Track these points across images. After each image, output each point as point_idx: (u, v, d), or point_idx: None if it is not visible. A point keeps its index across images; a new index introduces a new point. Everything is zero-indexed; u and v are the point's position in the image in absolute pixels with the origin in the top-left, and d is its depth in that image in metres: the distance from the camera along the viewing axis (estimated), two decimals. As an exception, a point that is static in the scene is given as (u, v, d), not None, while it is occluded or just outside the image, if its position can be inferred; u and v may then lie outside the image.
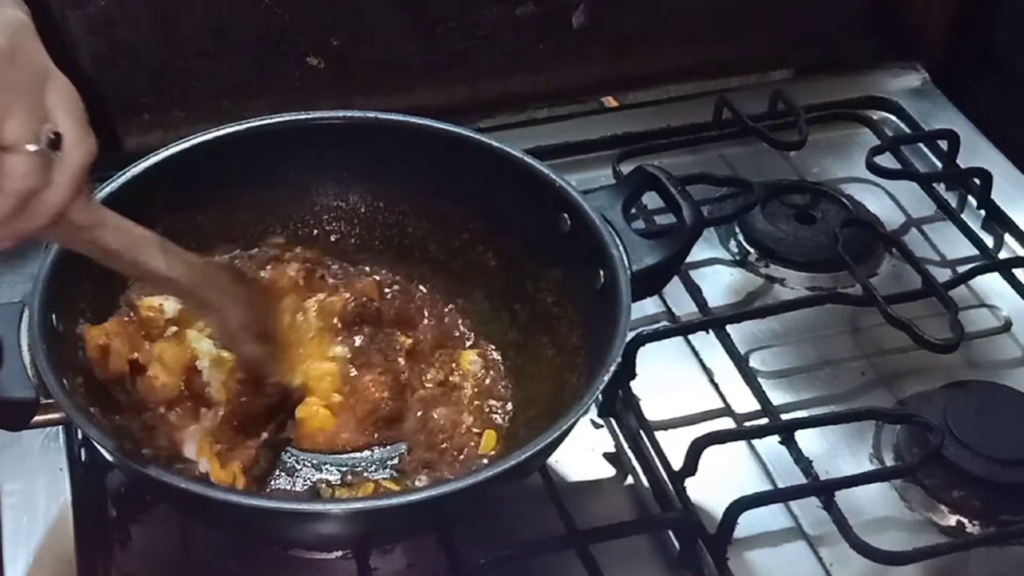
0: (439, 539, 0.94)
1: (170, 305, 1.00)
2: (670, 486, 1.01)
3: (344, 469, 0.99)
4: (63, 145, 0.71)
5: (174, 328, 1.00)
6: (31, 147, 0.69)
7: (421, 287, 1.12)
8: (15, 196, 0.70)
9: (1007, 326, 1.19)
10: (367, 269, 1.12)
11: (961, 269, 1.21)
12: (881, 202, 1.32)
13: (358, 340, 1.04)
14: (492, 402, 1.04)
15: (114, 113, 1.28)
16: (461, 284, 1.11)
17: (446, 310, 1.11)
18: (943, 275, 1.18)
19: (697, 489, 1.00)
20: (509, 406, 1.04)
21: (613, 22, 1.39)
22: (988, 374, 1.13)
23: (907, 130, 1.40)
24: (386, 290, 1.10)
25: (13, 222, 0.71)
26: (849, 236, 1.20)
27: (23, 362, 0.88)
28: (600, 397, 0.96)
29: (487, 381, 1.06)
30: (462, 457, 1.00)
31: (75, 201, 0.75)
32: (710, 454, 0.99)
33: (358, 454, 1.00)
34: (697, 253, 1.12)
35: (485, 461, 0.98)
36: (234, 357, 0.97)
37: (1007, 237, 1.27)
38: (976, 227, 1.27)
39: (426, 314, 1.10)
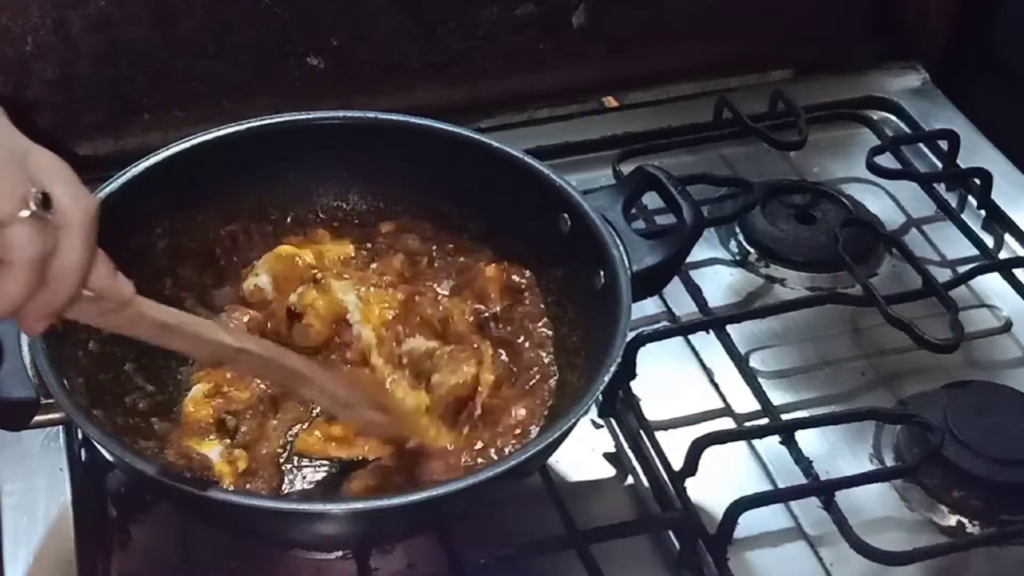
0: (439, 539, 0.94)
1: None
2: (670, 486, 1.01)
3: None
4: (58, 206, 0.71)
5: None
6: (23, 213, 0.69)
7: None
8: (27, 266, 0.70)
9: (1007, 326, 1.19)
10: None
11: (961, 269, 1.21)
12: (881, 202, 1.32)
13: None
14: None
15: (114, 113, 1.28)
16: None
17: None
18: (943, 275, 1.18)
19: (697, 489, 1.00)
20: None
21: (613, 22, 1.39)
22: (988, 374, 1.13)
23: (907, 130, 1.40)
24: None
25: (41, 298, 0.71)
26: (849, 236, 1.20)
27: (23, 362, 0.88)
28: (600, 397, 0.96)
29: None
30: None
31: (96, 271, 0.75)
32: (710, 454, 0.99)
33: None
34: (697, 253, 1.12)
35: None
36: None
37: (1007, 237, 1.27)
38: (976, 227, 1.27)
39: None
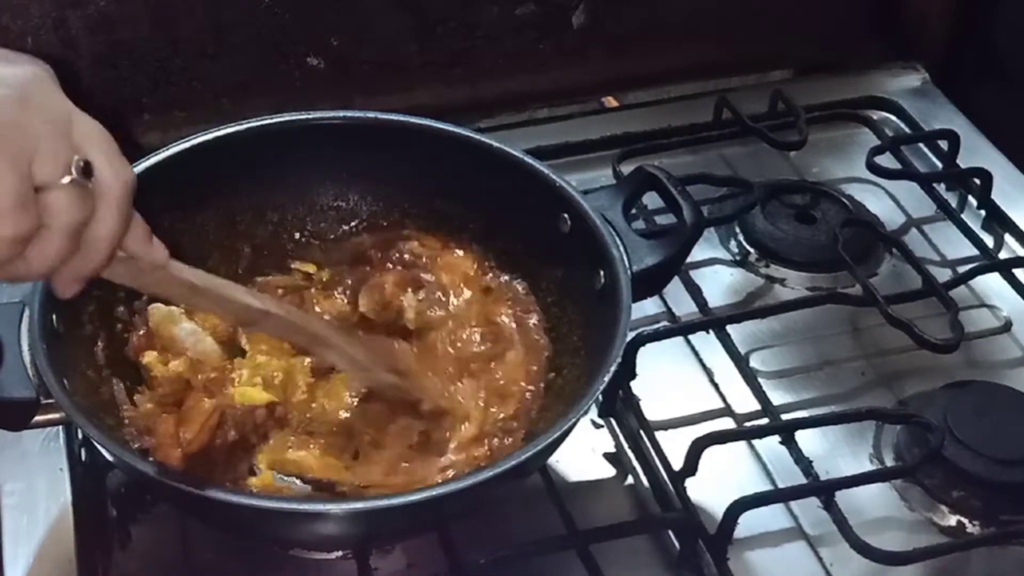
0: (439, 539, 0.94)
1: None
2: (670, 486, 1.01)
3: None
4: (98, 176, 0.72)
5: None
6: (65, 179, 0.70)
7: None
8: (65, 232, 0.71)
9: (1007, 326, 1.19)
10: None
11: (961, 269, 1.21)
12: (881, 202, 1.32)
13: None
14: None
15: (114, 113, 1.28)
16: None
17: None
18: (943, 275, 1.18)
19: (697, 489, 1.00)
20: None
21: (613, 22, 1.39)
22: (988, 374, 1.13)
23: (907, 130, 1.40)
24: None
25: (74, 263, 0.73)
26: (849, 236, 1.20)
27: (23, 362, 0.89)
28: (600, 397, 0.96)
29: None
30: None
31: (131, 235, 0.76)
32: (710, 454, 0.99)
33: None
34: (697, 253, 1.12)
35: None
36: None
37: (1007, 237, 1.27)
38: (976, 227, 1.27)
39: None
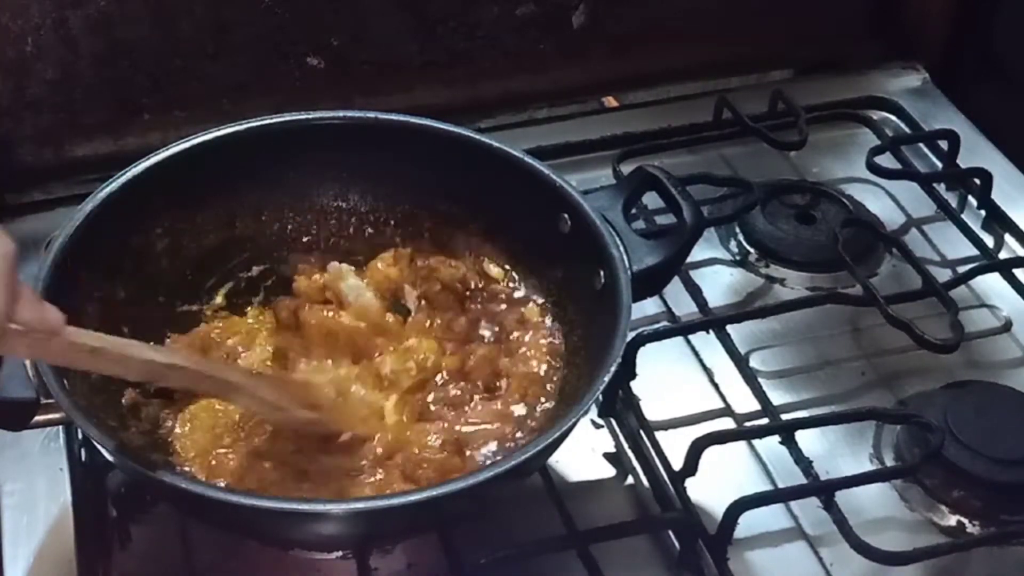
0: (439, 539, 0.94)
1: None
2: (670, 486, 1.01)
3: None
4: None
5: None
6: None
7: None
8: None
9: (1007, 326, 1.19)
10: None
11: (961, 269, 1.21)
12: (881, 202, 1.32)
13: None
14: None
15: (114, 113, 1.28)
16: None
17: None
18: (943, 275, 1.18)
19: (697, 489, 1.00)
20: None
21: (613, 22, 1.39)
22: (988, 374, 1.13)
23: (907, 130, 1.40)
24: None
25: None
26: (849, 236, 1.20)
27: (23, 362, 0.88)
28: (600, 397, 0.96)
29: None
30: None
31: (20, 304, 0.75)
32: (710, 454, 0.99)
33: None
34: (697, 253, 1.12)
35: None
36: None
37: (1007, 237, 1.27)
38: (976, 227, 1.27)
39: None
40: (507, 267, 1.10)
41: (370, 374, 1.02)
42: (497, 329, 1.07)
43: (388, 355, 1.03)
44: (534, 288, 1.09)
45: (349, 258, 1.11)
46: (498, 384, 1.03)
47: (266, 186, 1.11)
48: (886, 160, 1.31)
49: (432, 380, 1.03)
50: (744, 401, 1.09)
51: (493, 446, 0.98)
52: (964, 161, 1.32)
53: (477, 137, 1.10)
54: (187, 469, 0.96)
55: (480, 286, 1.10)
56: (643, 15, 1.40)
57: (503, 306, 1.08)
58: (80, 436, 1.02)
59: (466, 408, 1.01)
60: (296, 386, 1.00)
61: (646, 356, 1.07)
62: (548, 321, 1.07)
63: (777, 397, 1.09)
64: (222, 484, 0.94)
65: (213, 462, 0.96)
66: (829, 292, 1.17)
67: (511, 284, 1.10)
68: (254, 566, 0.96)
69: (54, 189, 1.26)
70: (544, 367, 1.03)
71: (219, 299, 1.09)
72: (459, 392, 1.02)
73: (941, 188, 1.32)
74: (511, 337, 1.06)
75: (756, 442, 1.05)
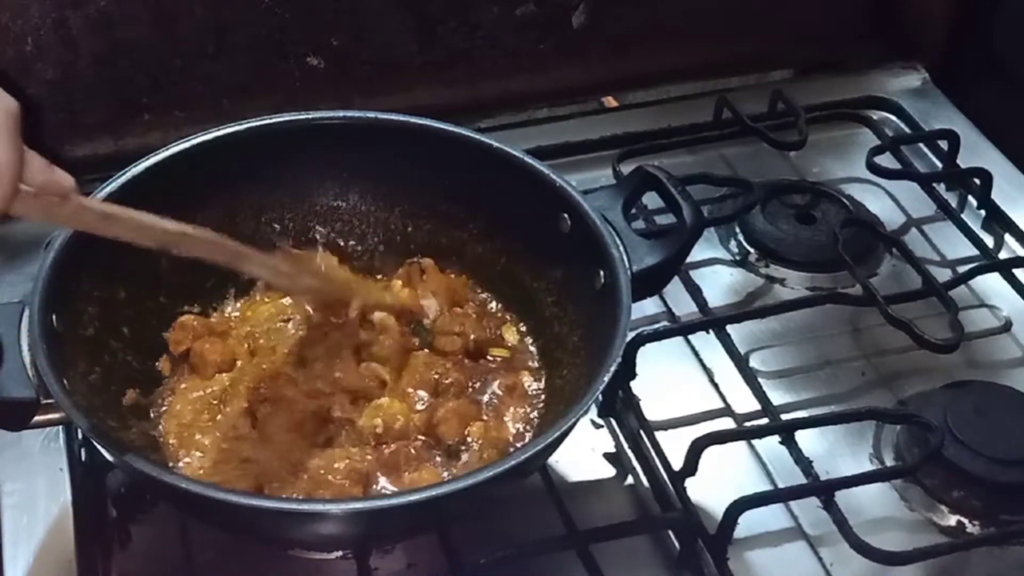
0: (439, 539, 0.94)
1: None
2: (670, 486, 1.01)
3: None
4: None
5: None
6: None
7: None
8: None
9: (1007, 326, 1.19)
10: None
11: (961, 269, 1.21)
12: (881, 202, 1.32)
13: None
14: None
15: (114, 113, 1.28)
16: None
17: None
18: (943, 275, 1.18)
19: (697, 489, 1.00)
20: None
21: (613, 22, 1.39)
22: (988, 374, 1.13)
23: (907, 130, 1.40)
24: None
25: None
26: (849, 236, 1.20)
27: (23, 362, 0.88)
28: (600, 397, 0.96)
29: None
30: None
31: (31, 166, 0.77)
32: (710, 454, 0.99)
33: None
34: (697, 253, 1.12)
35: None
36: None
37: (1007, 237, 1.27)
38: (976, 227, 1.27)
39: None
40: (524, 333, 1.09)
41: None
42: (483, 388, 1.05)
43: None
44: (538, 354, 1.07)
45: (349, 259, 1.12)
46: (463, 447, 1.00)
47: (266, 186, 1.11)
48: (886, 160, 1.31)
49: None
50: (744, 401, 1.09)
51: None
52: (964, 161, 1.32)
53: (477, 137, 1.10)
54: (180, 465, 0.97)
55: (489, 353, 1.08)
56: (643, 15, 1.40)
57: (500, 370, 1.07)
58: (80, 436, 1.02)
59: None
60: (304, 259, 1.04)
61: (646, 356, 1.07)
62: (539, 386, 1.05)
63: (777, 397, 1.09)
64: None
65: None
66: (829, 292, 1.17)
67: (519, 354, 1.07)
68: (254, 566, 0.96)
69: (54, 189, 1.26)
70: (514, 433, 1.02)
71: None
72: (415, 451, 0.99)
73: (941, 188, 1.32)
74: (495, 401, 1.04)
75: (756, 442, 1.05)
